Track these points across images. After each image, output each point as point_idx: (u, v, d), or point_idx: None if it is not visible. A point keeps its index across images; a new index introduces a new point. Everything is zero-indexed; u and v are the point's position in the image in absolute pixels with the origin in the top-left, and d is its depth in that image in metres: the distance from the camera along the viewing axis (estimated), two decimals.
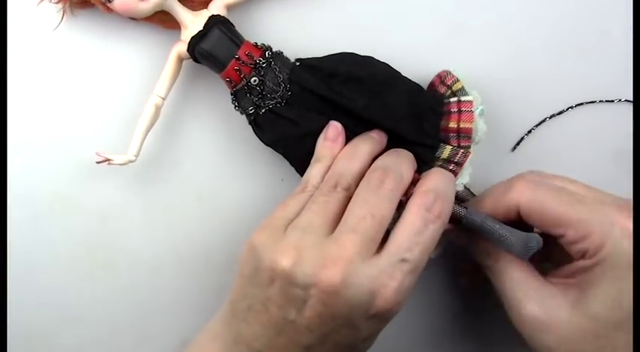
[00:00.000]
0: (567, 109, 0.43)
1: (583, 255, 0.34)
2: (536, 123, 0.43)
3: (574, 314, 0.34)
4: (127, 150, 0.40)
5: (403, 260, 0.32)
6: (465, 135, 0.39)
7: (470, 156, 0.39)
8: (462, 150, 0.39)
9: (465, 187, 0.41)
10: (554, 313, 0.34)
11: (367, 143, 0.38)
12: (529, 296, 0.35)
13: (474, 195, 0.41)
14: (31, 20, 0.40)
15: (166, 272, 0.44)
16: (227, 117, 0.42)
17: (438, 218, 0.33)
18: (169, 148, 0.43)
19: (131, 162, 0.40)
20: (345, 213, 0.34)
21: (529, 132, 0.44)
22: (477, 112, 0.39)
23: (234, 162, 0.43)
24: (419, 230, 0.33)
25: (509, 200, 0.36)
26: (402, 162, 0.36)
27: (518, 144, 0.44)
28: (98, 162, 0.40)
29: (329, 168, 0.37)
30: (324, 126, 0.38)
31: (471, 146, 0.39)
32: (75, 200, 0.43)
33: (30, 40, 0.41)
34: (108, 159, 0.40)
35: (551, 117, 0.43)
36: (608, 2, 0.42)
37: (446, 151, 0.39)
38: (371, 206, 0.33)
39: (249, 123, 0.39)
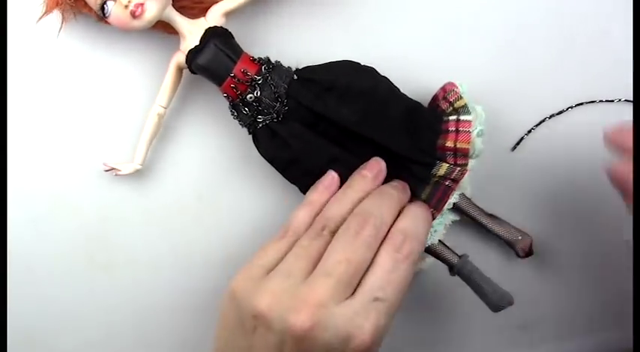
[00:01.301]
0: (567, 109, 0.43)
1: None
2: (536, 123, 0.43)
3: None
4: (132, 158, 0.41)
5: (376, 299, 0.32)
6: (461, 154, 0.39)
7: (467, 174, 0.39)
8: (458, 168, 0.39)
9: (465, 196, 0.41)
10: None
11: (358, 186, 0.38)
12: None
13: (474, 205, 0.41)
14: (33, 25, 0.40)
15: (166, 273, 0.45)
16: (226, 117, 0.41)
17: (407, 258, 0.34)
18: (169, 149, 0.43)
19: (137, 170, 0.41)
20: (323, 257, 0.34)
21: (529, 132, 0.43)
22: (474, 133, 0.39)
23: (234, 162, 0.43)
24: (389, 270, 0.33)
25: None
26: (383, 205, 0.36)
27: (518, 144, 0.44)
28: (106, 171, 0.41)
29: (315, 213, 0.37)
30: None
31: (468, 164, 0.39)
32: (74, 201, 0.43)
33: (33, 43, 0.41)
34: (114, 169, 0.41)
35: (551, 117, 0.43)
36: (608, 2, 0.42)
37: (442, 169, 0.39)
38: (348, 251, 0.33)
39: (249, 134, 0.40)
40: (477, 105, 0.39)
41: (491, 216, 0.42)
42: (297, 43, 0.41)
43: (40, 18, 0.39)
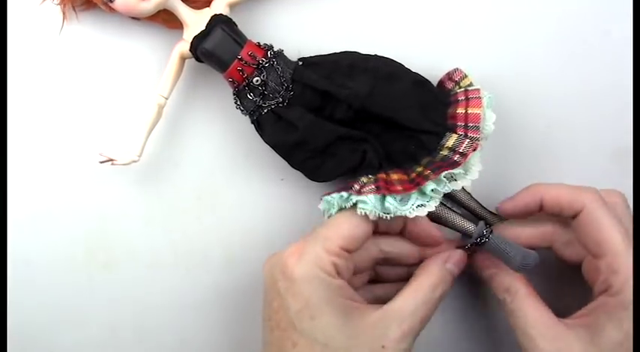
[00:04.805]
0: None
1: (606, 290, 0.35)
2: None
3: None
4: (129, 150, 0.40)
5: None
6: (473, 125, 0.38)
7: (478, 149, 0.37)
8: (467, 140, 0.38)
9: (465, 190, 0.40)
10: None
11: None
12: (543, 334, 0.36)
13: (474, 199, 0.41)
14: (33, 20, 0.40)
15: (166, 272, 0.44)
16: (227, 116, 0.42)
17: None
18: (169, 148, 0.43)
19: (134, 162, 0.40)
20: None
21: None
22: (485, 100, 0.38)
23: (234, 161, 0.43)
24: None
25: (575, 204, 0.37)
26: None
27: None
28: (101, 162, 0.40)
29: None
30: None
31: (480, 139, 0.38)
32: (75, 200, 0.43)
33: (32, 40, 0.41)
34: (111, 159, 0.40)
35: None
36: (608, 2, 0.42)
37: (451, 139, 0.38)
38: None
39: (252, 123, 0.39)
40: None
41: (491, 212, 0.41)
42: (297, 38, 0.42)
43: (42, 1, 0.39)
